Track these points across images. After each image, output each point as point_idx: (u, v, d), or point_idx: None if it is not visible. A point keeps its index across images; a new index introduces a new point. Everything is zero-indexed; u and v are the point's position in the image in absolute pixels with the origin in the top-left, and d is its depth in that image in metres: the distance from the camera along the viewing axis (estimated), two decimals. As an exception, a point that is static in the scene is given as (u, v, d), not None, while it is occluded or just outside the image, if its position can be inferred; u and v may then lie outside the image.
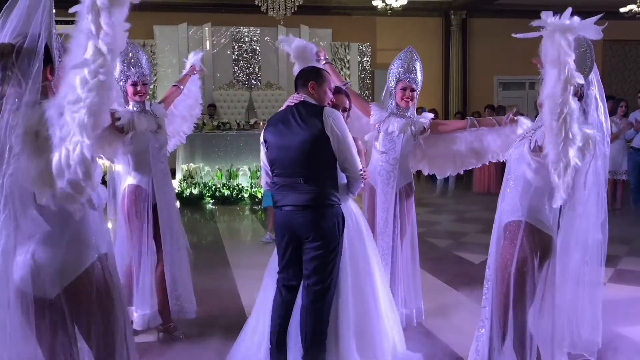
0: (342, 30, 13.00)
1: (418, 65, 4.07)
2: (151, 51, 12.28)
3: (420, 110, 4.34)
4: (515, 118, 3.95)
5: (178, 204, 10.63)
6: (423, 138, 4.07)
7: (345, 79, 12.66)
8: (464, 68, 14.04)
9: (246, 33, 12.73)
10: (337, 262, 3.15)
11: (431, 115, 4.23)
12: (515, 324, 2.68)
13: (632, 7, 11.84)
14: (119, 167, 4.13)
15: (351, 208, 3.36)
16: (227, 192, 10.30)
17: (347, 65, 12.97)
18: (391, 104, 4.12)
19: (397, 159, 4.00)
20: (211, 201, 10.16)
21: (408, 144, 4.03)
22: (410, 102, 4.06)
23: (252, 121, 11.48)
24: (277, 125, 3.18)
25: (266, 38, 12.62)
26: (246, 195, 10.36)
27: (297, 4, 8.84)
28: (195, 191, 10.17)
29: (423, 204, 10.03)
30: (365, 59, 13.14)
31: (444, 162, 4.26)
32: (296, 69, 4.19)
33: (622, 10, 11.99)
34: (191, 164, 10.52)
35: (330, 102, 3.32)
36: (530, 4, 13.06)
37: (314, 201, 3.08)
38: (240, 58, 12.78)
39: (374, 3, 11.28)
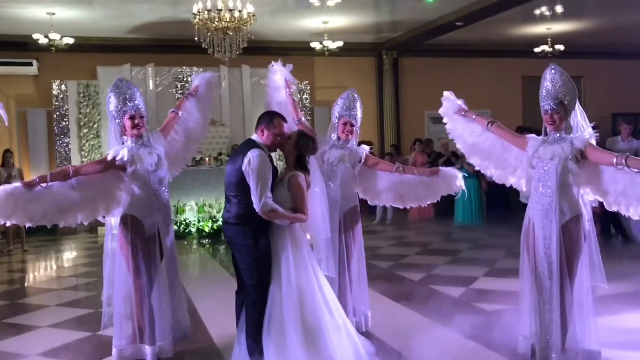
0: (281, 69, 13.57)
1: (358, 105, 4.69)
2: (94, 91, 12.46)
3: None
4: (438, 170, 4.71)
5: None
6: (359, 167, 4.64)
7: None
8: (396, 104, 14.87)
9: (189, 72, 13.13)
10: (257, 270, 3.79)
11: (367, 148, 4.78)
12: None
13: (544, 47, 13.05)
14: None
15: (288, 232, 3.83)
16: (174, 227, 10.51)
17: (287, 103, 13.52)
18: (333, 137, 4.70)
19: (338, 186, 4.56)
20: (159, 236, 10.37)
21: (347, 172, 4.60)
22: (350, 135, 4.64)
23: (197, 157, 11.79)
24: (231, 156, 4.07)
25: (208, 77, 13.06)
26: (193, 230, 10.65)
27: (242, 47, 9.34)
28: (144, 227, 10.35)
29: (365, 231, 10.52)
30: (304, 96, 13.74)
31: (372, 194, 4.85)
32: (268, 99, 4.83)
33: (536, 50, 13.17)
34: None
35: (277, 145, 3.91)
36: (454, 44, 14.19)
37: (232, 219, 3.85)
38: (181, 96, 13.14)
39: (312, 45, 11.95)
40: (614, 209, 3.67)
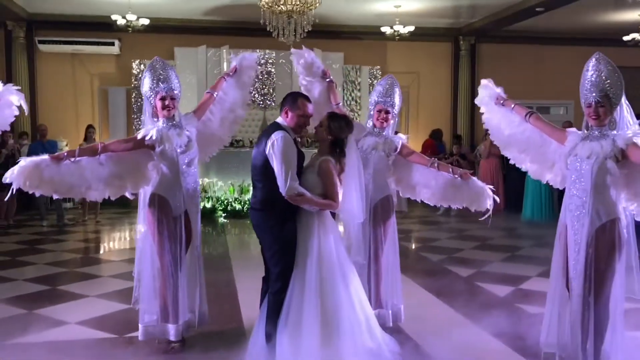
0: (353, 54, 13.46)
1: (397, 91, 4.50)
2: (171, 71, 12.87)
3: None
4: (469, 176, 4.35)
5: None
6: (393, 157, 4.49)
7: (356, 101, 13.14)
8: (472, 91, 14.36)
9: (262, 56, 13.28)
10: (282, 258, 3.72)
11: (404, 136, 4.60)
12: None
13: (635, 35, 12.16)
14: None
15: (317, 219, 3.76)
16: (238, 207, 10.81)
17: (358, 88, 13.39)
18: (369, 125, 4.58)
19: (370, 174, 4.41)
20: (223, 215, 10.68)
21: (380, 161, 4.44)
22: (385, 122, 4.49)
23: (263, 139, 11.96)
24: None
25: (281, 61, 13.15)
26: (256, 210, 10.83)
27: (306, 30, 9.32)
28: (209, 205, 10.67)
29: (425, 222, 10.42)
30: (375, 81, 13.56)
31: (405, 185, 4.61)
32: (300, 80, 4.76)
33: (625, 38, 12.31)
34: (205, 179, 11.05)
35: (302, 126, 3.83)
36: (535, 31, 13.50)
37: (257, 204, 3.81)
38: (256, 79, 13.28)
39: (383, 29, 11.74)
40: None
